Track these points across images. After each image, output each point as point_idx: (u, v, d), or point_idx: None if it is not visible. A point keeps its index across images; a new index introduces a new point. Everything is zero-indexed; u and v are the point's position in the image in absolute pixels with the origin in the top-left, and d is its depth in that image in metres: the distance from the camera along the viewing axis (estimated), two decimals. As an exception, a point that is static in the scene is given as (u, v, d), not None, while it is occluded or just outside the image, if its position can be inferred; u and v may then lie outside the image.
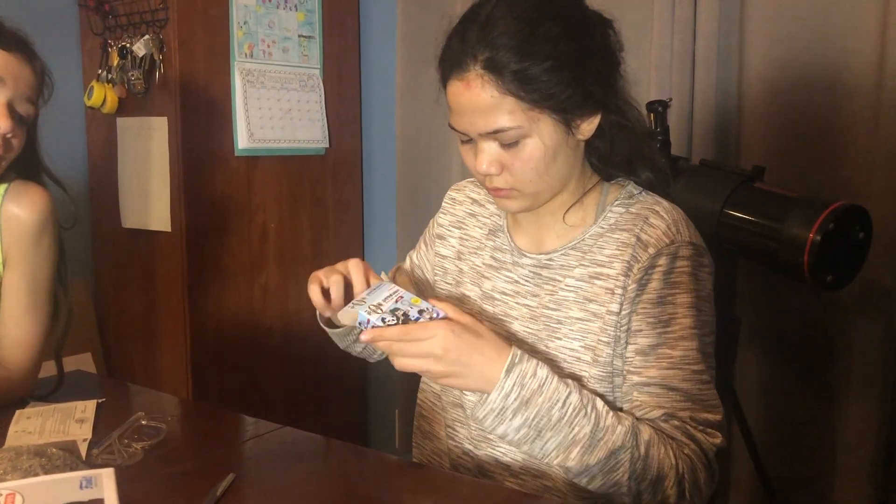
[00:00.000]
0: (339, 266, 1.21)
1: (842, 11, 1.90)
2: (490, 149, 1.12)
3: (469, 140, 1.15)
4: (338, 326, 1.30)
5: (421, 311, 1.07)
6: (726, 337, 1.67)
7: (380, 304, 1.08)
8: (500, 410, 1.05)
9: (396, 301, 1.08)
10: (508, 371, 1.05)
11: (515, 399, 1.05)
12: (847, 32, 1.89)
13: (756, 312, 2.03)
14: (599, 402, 1.08)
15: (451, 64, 1.12)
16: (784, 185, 1.66)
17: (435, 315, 1.07)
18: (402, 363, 1.07)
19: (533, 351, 1.20)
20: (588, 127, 1.14)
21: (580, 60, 1.10)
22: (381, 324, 1.05)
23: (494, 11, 1.10)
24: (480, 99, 1.09)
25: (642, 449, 1.06)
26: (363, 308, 1.07)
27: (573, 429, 1.05)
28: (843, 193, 1.85)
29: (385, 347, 1.06)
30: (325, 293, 1.20)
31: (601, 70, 1.13)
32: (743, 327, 1.79)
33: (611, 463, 1.05)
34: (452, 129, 1.16)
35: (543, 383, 1.06)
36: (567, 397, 1.06)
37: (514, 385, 1.05)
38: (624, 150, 1.20)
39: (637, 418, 1.11)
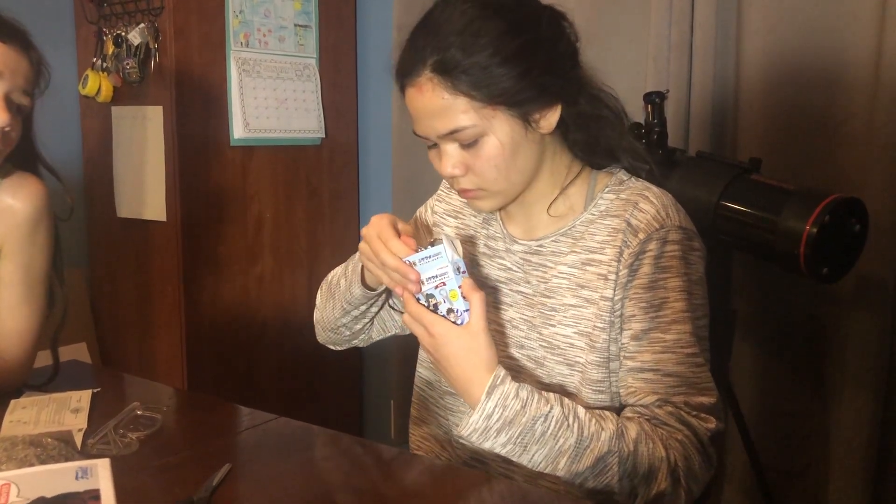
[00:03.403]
0: (377, 240, 1.16)
1: (839, 3, 1.89)
2: (452, 150, 1.14)
3: (434, 145, 1.17)
4: (374, 289, 1.30)
5: (448, 311, 1.11)
6: (722, 329, 1.68)
7: (422, 283, 1.12)
8: (483, 430, 1.07)
9: (437, 287, 1.11)
10: (489, 393, 1.07)
11: (498, 419, 1.07)
12: (844, 24, 1.89)
13: (752, 305, 2.03)
14: (581, 410, 1.09)
15: (403, 72, 1.14)
16: (781, 177, 1.66)
17: (459, 322, 1.11)
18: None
19: (528, 337, 1.21)
20: (548, 121, 1.15)
21: (527, 54, 1.11)
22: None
23: (440, 15, 1.12)
24: (433, 102, 1.11)
25: (631, 447, 1.07)
26: None
27: (558, 441, 1.06)
28: (840, 186, 1.85)
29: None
30: None
31: (552, 62, 1.14)
32: (739, 319, 1.79)
33: (599, 467, 1.07)
34: (416, 135, 1.18)
35: (526, 403, 1.07)
36: (549, 411, 1.07)
37: (495, 406, 1.07)
38: (602, 139, 1.21)
39: (624, 417, 1.12)
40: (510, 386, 1.08)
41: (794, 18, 1.96)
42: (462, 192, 1.20)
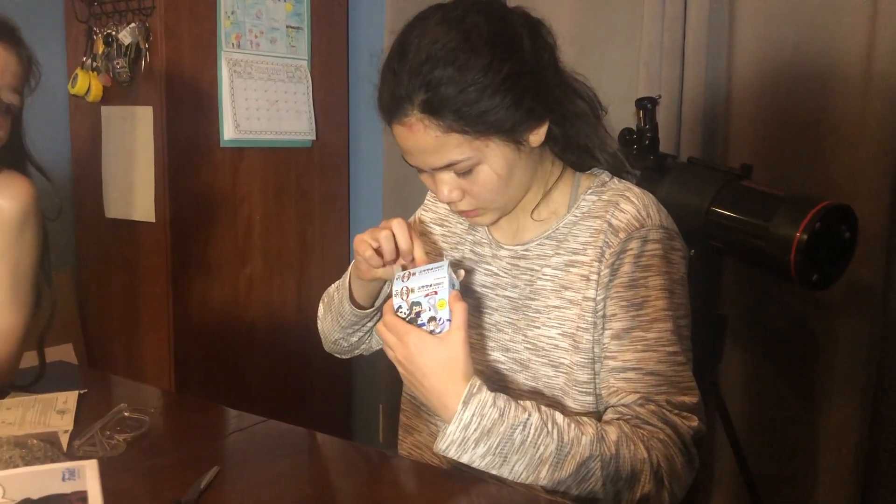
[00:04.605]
0: (384, 224, 1.21)
1: (830, 10, 1.90)
2: (447, 178, 1.15)
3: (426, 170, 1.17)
4: (364, 307, 1.32)
5: (430, 319, 1.10)
6: (712, 334, 1.68)
7: (412, 290, 1.12)
8: (461, 441, 1.06)
9: (427, 295, 1.11)
10: (466, 402, 1.06)
11: (476, 429, 1.05)
12: (836, 31, 1.90)
13: (741, 311, 2.04)
14: (559, 416, 1.08)
15: (389, 109, 1.13)
16: (772, 184, 1.67)
17: (439, 329, 1.10)
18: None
19: (512, 339, 1.21)
20: (538, 136, 1.15)
21: (515, 82, 1.09)
22: (395, 308, 1.12)
23: (420, 47, 1.09)
24: (426, 141, 1.10)
25: (612, 449, 1.06)
26: (401, 284, 1.13)
27: (538, 448, 1.05)
28: (830, 192, 1.85)
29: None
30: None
31: (538, 81, 1.13)
32: (728, 325, 1.79)
33: (582, 473, 1.05)
34: (407, 163, 1.17)
35: (504, 412, 1.06)
36: (528, 419, 1.05)
37: (472, 415, 1.05)
38: (580, 135, 1.21)
39: (603, 422, 1.12)
40: (487, 394, 1.07)
41: (785, 25, 1.97)
42: (461, 213, 1.21)
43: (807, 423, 2.00)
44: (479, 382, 1.08)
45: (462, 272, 1.17)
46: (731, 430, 1.78)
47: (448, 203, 1.18)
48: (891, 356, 1.89)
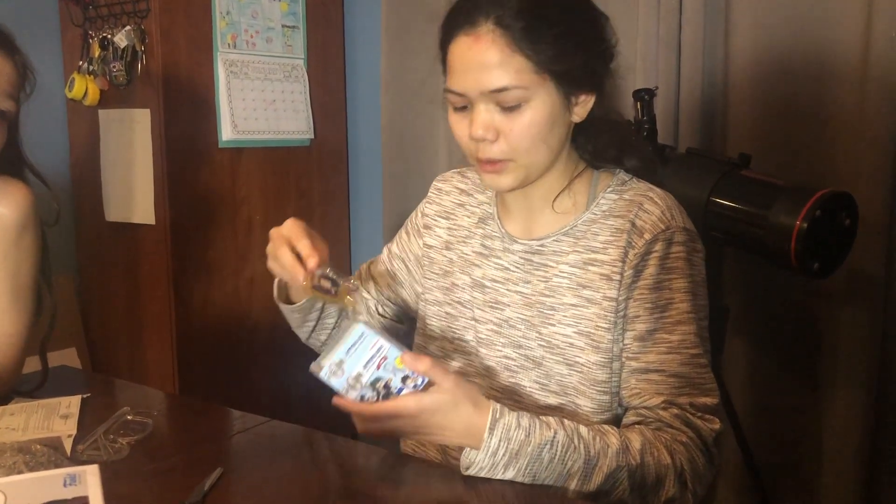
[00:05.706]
0: (280, 238, 1.20)
1: (827, -1, 1.90)
2: (488, 112, 1.12)
3: (463, 107, 1.14)
4: (293, 302, 1.32)
5: (404, 379, 1.06)
6: (714, 326, 1.67)
7: (360, 375, 1.05)
8: (490, 467, 1.05)
9: (379, 366, 1.04)
10: (491, 429, 1.05)
11: (504, 454, 1.05)
12: (832, 20, 1.89)
13: (743, 301, 2.03)
14: (583, 429, 1.07)
15: (461, 20, 1.12)
16: (771, 173, 1.66)
17: (419, 382, 1.06)
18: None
19: (525, 336, 1.21)
20: (583, 108, 1.16)
21: (586, 33, 1.14)
22: (360, 400, 1.06)
23: None
24: (490, 54, 1.09)
25: (637, 458, 1.07)
26: (341, 380, 1.06)
27: (566, 465, 1.05)
28: (829, 180, 1.85)
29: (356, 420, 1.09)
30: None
31: (602, 49, 1.17)
32: (730, 316, 1.79)
33: (609, 483, 1.06)
34: (450, 91, 1.14)
35: (529, 431, 1.05)
36: (554, 436, 1.05)
37: (500, 441, 1.05)
38: (611, 141, 1.22)
39: (625, 428, 1.12)
40: (511, 417, 1.06)
41: (782, 13, 1.96)
42: (486, 164, 1.15)
43: (810, 411, 1.99)
44: (500, 406, 1.07)
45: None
46: (735, 420, 1.78)
47: (478, 144, 1.13)
48: (893, 343, 1.89)
